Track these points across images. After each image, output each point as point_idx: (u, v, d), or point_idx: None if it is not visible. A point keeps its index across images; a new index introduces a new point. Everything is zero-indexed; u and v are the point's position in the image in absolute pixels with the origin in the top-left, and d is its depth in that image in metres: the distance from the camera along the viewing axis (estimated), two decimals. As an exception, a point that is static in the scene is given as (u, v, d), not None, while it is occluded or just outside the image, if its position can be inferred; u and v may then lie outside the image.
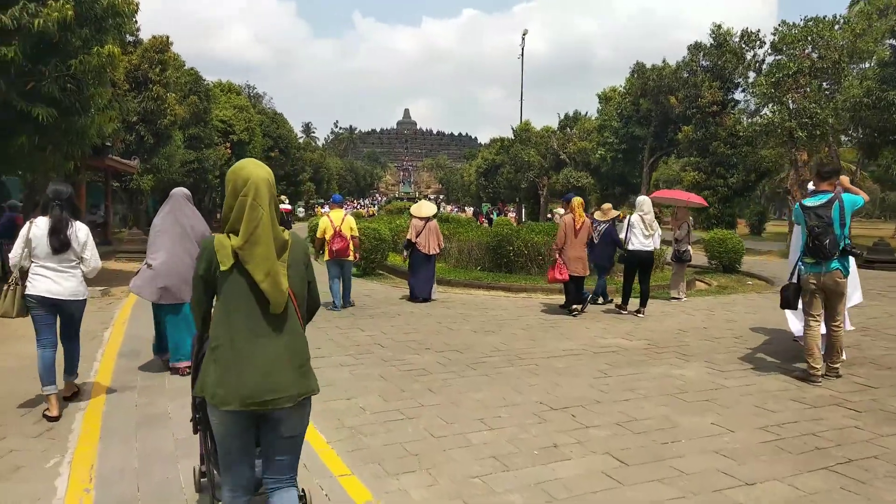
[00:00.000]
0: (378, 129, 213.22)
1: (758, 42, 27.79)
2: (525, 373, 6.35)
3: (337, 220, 10.06)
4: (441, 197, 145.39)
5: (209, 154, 33.83)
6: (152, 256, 5.96)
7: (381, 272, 15.32)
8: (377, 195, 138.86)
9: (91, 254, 5.02)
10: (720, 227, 28.26)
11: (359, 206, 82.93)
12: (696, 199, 12.65)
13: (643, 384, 6.00)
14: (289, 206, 29.13)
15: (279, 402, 2.36)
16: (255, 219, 2.36)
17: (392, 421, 4.87)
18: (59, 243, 4.82)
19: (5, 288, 4.89)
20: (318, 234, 10.18)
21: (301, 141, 70.03)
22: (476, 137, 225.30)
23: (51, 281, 4.85)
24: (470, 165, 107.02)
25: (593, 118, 38.66)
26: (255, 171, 2.43)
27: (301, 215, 54.88)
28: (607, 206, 11.72)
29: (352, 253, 10.12)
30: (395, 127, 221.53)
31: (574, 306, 9.93)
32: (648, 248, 9.82)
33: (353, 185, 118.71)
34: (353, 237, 10.08)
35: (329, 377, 6.06)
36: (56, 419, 4.79)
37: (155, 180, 27.53)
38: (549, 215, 47.02)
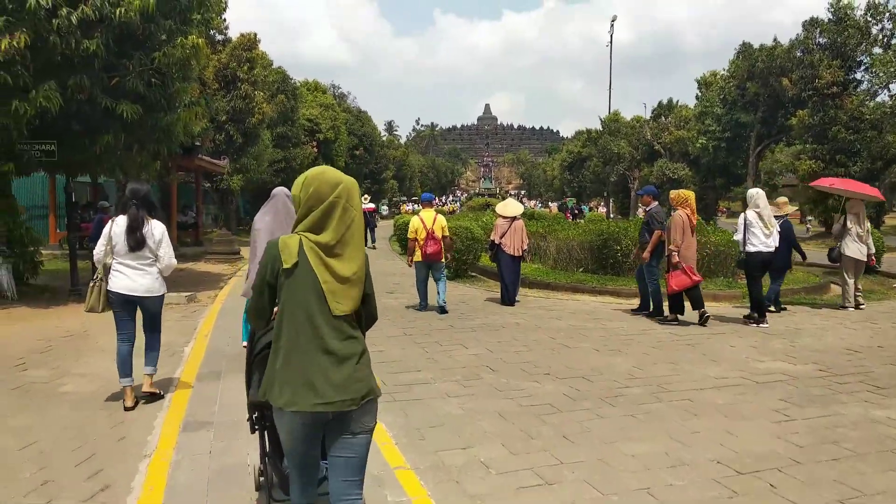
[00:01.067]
0: (458, 126, 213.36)
1: (887, 14, 24.87)
2: (680, 412, 5.07)
3: (429, 220, 9.47)
4: (522, 192, 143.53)
5: (297, 153, 33.86)
6: (256, 260, 5.78)
7: (472, 274, 14.26)
8: (458, 192, 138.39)
9: (165, 252, 5.09)
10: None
11: (439, 204, 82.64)
12: (871, 192, 10.87)
13: (845, 433, 4.59)
14: (373, 206, 28.45)
15: (345, 404, 2.32)
16: (349, 220, 2.37)
17: (526, 488, 3.72)
18: (135, 241, 4.94)
19: (91, 284, 5.11)
20: (410, 236, 9.69)
21: (384, 139, 70.07)
22: (558, 131, 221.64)
23: (128, 278, 5.00)
24: (553, 159, 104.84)
25: (692, 106, 36.07)
26: (343, 176, 2.43)
27: (385, 213, 54.66)
28: (783, 199, 10.64)
29: (443, 254, 9.66)
30: (475, 123, 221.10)
31: (702, 311, 8.74)
32: (771, 248, 8.73)
33: (434, 183, 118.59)
34: (444, 237, 9.56)
35: (437, 412, 5.01)
36: (131, 409, 5.05)
37: (244, 180, 27.64)
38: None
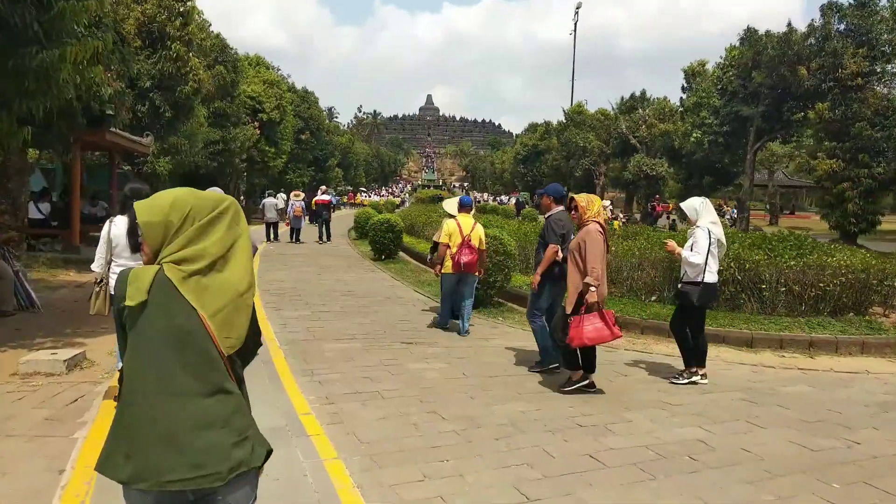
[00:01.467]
0: (400, 116, 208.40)
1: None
2: None
3: (466, 226, 8.11)
4: (466, 185, 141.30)
5: (237, 134, 29.07)
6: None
7: (500, 301, 10.41)
8: (401, 182, 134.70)
9: None
10: (861, 225, 23.07)
11: (386, 195, 78.31)
12: None
13: None
14: (328, 198, 24.12)
15: (205, 480, 1.80)
16: (234, 236, 1.93)
17: None
18: (137, 242, 3.27)
19: (96, 288, 5.02)
20: (442, 240, 8.22)
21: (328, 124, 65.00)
22: (500, 124, 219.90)
23: None
24: (503, 152, 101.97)
25: (685, 97, 33.18)
26: (223, 194, 2.04)
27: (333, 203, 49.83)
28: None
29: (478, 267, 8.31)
30: (417, 113, 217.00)
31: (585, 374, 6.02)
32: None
33: (377, 172, 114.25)
34: (481, 250, 8.24)
35: None
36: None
37: (174, 163, 22.89)
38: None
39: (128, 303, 1.83)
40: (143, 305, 1.83)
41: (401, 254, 17.30)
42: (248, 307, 1.93)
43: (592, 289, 5.53)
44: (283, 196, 27.41)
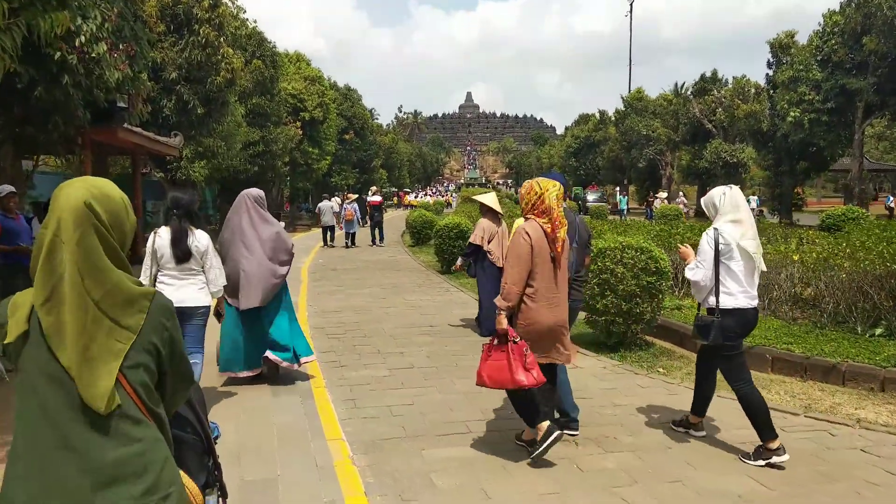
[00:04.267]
0: (440, 115, 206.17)
1: None
2: None
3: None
4: (510, 182, 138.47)
5: (277, 134, 26.71)
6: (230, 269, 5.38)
7: (649, 340, 7.45)
8: (444, 182, 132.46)
9: (211, 266, 4.84)
10: None
11: (432, 194, 75.72)
12: None
13: None
14: (379, 199, 22.05)
15: None
16: (56, 266, 1.47)
17: None
18: (182, 253, 4.71)
19: None
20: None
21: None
22: (542, 119, 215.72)
23: (172, 288, 4.71)
24: (552, 146, 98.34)
25: (772, 73, 29.48)
26: (68, 190, 1.53)
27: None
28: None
29: None
30: (457, 111, 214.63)
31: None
32: (755, 302, 4.34)
33: (420, 172, 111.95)
34: None
35: None
36: None
37: (210, 167, 20.57)
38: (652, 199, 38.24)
39: (7, 339, 1.52)
40: (24, 337, 1.51)
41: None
42: (97, 360, 1.48)
43: (501, 313, 4.09)
44: (338, 200, 25.60)
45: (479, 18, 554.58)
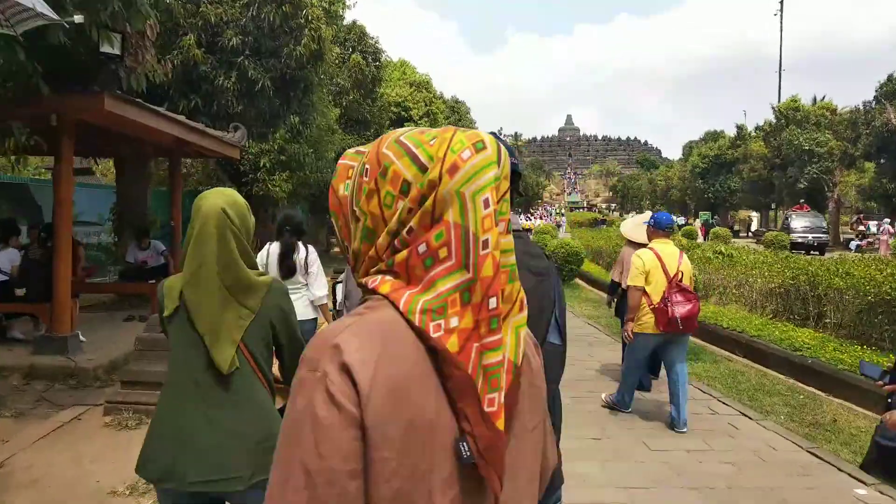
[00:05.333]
0: (539, 138, 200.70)
1: None
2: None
3: (671, 259, 5.22)
4: (613, 206, 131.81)
5: (378, 144, 22.36)
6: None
7: None
8: (546, 206, 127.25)
9: (315, 279, 4.93)
10: None
11: (537, 219, 70.14)
12: None
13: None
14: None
15: (228, 483, 1.92)
16: (200, 256, 1.96)
17: None
18: (288, 269, 4.81)
19: None
20: (639, 282, 5.19)
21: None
22: (646, 141, 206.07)
23: None
24: (668, 167, 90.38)
25: None
26: (209, 198, 2.02)
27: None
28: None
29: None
30: (556, 134, 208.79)
31: None
32: None
33: (521, 197, 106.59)
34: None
35: None
36: None
37: (295, 181, 16.34)
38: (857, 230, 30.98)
39: (164, 312, 2.00)
40: (176, 311, 1.99)
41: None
42: (223, 339, 1.94)
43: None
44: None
45: (575, 43, 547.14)
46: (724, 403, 6.03)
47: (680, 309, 4.95)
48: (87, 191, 11.56)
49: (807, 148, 35.89)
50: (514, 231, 1.32)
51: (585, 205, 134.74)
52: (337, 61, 15.75)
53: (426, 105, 28.04)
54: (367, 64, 21.52)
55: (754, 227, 52.84)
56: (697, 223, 50.61)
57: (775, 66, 56.52)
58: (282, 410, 1.68)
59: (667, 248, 5.26)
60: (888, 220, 27.59)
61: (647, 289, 5.11)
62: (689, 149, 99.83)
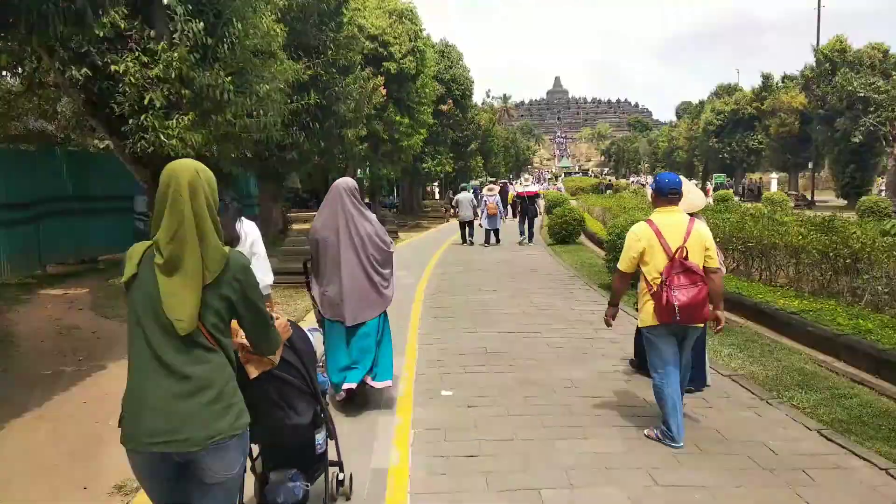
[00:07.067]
0: (526, 101, 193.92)
1: None
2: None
3: (674, 231, 4.23)
4: (606, 171, 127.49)
5: (348, 86, 16.39)
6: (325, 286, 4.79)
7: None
8: (537, 171, 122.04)
9: (259, 259, 4.06)
10: None
11: (534, 184, 64.18)
12: None
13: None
14: (535, 189, 13.27)
15: (180, 444, 2.00)
16: (178, 214, 2.03)
17: None
18: (230, 239, 3.75)
19: None
20: (626, 265, 4.40)
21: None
22: (637, 103, 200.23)
23: None
24: (673, 128, 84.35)
25: None
26: (181, 162, 2.14)
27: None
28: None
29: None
30: (544, 97, 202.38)
31: None
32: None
33: (513, 161, 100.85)
34: (711, 270, 4.21)
35: None
36: None
37: (209, 131, 10.73)
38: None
39: (123, 278, 2.07)
40: (134, 277, 2.06)
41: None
42: (188, 296, 1.99)
43: None
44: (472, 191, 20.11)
45: (564, 4, 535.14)
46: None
47: (680, 295, 4.03)
48: None
49: (862, 95, 30.26)
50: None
51: (578, 169, 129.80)
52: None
53: (410, 40, 21.93)
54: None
55: (774, 188, 46.55)
56: (709, 186, 45.05)
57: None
58: (257, 379, 2.38)
59: (670, 218, 4.30)
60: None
61: (645, 270, 4.27)
62: (682, 110, 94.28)
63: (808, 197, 36.53)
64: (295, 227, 21.22)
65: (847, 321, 6.77)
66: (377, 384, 4.70)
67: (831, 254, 8.02)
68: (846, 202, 34.06)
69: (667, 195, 4.31)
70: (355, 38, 17.49)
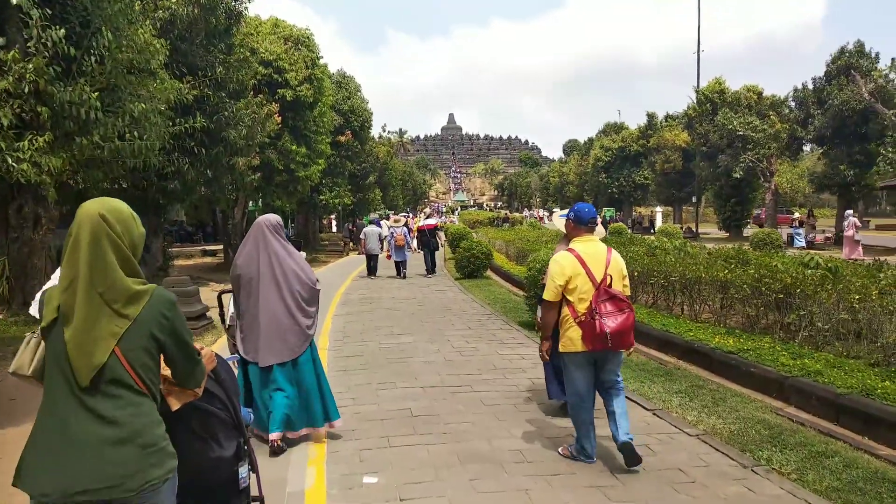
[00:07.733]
0: (422, 136, 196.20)
1: None
2: None
3: (596, 259, 4.34)
4: (500, 204, 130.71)
5: (238, 109, 15.06)
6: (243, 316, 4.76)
7: None
8: (433, 204, 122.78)
9: None
10: None
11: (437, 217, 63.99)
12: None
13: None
14: (434, 222, 14.20)
15: (113, 491, 1.87)
16: (74, 262, 1.94)
17: None
18: None
19: None
20: (549, 295, 4.34)
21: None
22: (527, 140, 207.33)
23: None
24: (563, 164, 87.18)
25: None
26: (87, 205, 2.01)
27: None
28: None
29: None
30: (439, 133, 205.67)
31: None
32: None
33: (410, 195, 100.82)
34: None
35: None
36: None
37: (72, 154, 9.14)
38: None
39: (42, 324, 1.97)
40: (54, 323, 1.95)
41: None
42: (92, 338, 1.90)
43: None
44: (387, 222, 20.47)
45: (454, 45, 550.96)
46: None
47: (610, 322, 4.13)
48: None
49: (741, 133, 32.13)
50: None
51: (473, 203, 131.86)
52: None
53: (307, 67, 20.84)
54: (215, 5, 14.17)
55: (659, 222, 49.05)
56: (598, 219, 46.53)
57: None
58: (178, 412, 2.16)
59: (591, 247, 4.41)
60: (850, 212, 23.67)
61: (571, 298, 4.29)
62: (569, 147, 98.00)
63: (693, 229, 38.25)
64: (178, 262, 19.34)
65: (790, 361, 6.35)
66: (336, 424, 4.85)
67: (763, 288, 7.69)
68: (728, 234, 36.00)
69: (586, 224, 4.45)
70: (247, 62, 16.20)
